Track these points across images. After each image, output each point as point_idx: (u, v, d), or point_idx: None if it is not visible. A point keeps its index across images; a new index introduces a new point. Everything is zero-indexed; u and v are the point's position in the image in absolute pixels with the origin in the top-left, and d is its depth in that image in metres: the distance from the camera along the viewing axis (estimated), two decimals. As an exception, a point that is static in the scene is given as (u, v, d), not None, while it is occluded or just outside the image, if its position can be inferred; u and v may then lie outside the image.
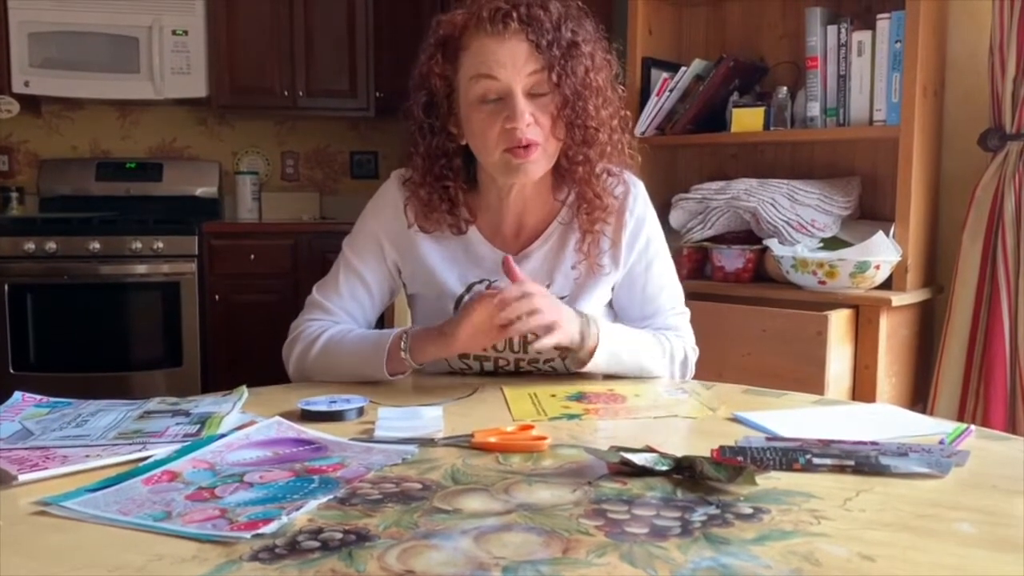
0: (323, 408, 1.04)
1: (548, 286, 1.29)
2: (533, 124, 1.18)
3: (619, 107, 1.26)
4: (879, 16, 2.24)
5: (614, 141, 1.25)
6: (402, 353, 1.21)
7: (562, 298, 1.29)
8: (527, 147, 1.18)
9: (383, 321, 1.50)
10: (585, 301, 1.31)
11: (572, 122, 1.19)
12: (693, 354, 1.37)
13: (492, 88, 1.17)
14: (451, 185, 1.26)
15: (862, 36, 2.28)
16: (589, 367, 1.24)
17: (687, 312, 1.41)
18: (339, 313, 1.33)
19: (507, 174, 1.22)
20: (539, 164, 1.21)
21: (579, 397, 1.16)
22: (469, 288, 1.30)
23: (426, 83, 1.22)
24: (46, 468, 0.83)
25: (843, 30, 2.31)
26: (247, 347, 3.45)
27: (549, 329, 1.14)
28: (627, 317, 1.38)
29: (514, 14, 1.16)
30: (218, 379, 3.48)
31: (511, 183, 1.25)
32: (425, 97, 1.23)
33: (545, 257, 1.31)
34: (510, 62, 1.16)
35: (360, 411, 1.06)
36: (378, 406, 1.08)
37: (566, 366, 1.30)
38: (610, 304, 1.38)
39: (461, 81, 1.21)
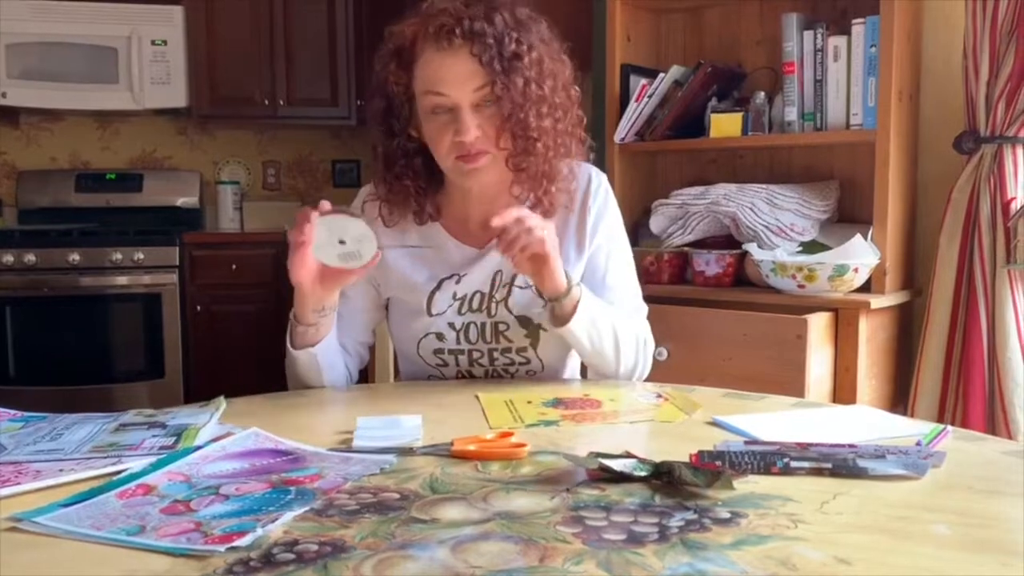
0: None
1: (515, 275, 1.33)
2: (482, 136, 1.21)
3: (568, 108, 1.28)
4: (854, 21, 2.26)
5: (557, 145, 1.26)
6: (292, 320, 1.28)
7: (529, 287, 1.33)
8: (476, 154, 1.22)
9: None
10: None
11: (514, 132, 1.22)
12: (651, 342, 1.39)
13: (442, 103, 1.21)
14: (410, 184, 1.31)
15: (838, 41, 2.29)
16: (571, 325, 1.24)
17: (645, 307, 1.42)
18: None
19: (460, 178, 1.27)
20: (488, 170, 1.25)
21: (555, 403, 1.16)
22: (439, 284, 1.34)
23: (383, 90, 1.26)
24: (18, 483, 0.82)
25: (819, 35, 2.33)
26: (230, 358, 3.42)
27: (544, 258, 1.18)
28: None
29: (457, 30, 1.18)
30: (200, 390, 3.44)
31: (467, 186, 1.29)
32: (384, 103, 1.27)
33: None
34: (456, 79, 1.19)
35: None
36: (356, 416, 1.08)
37: (541, 326, 1.31)
38: None
39: (416, 90, 1.24)
